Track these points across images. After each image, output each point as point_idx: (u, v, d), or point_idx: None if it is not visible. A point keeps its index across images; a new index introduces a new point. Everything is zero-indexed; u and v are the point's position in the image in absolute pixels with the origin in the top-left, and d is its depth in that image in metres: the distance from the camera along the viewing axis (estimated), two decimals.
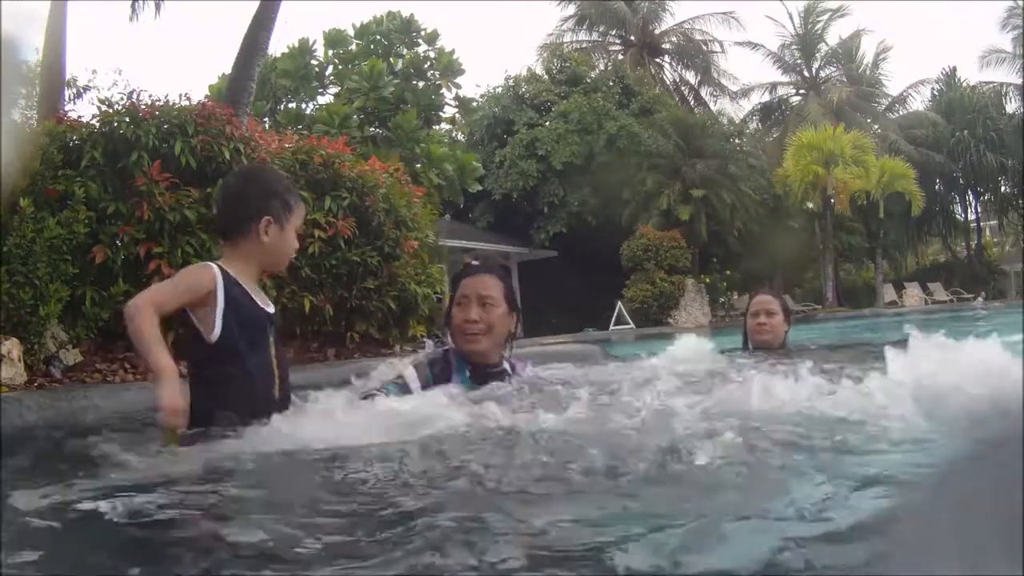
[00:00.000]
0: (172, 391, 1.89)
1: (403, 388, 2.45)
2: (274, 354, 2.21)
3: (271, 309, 2.28)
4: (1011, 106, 30.01)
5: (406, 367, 2.57)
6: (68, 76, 11.33)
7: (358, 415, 2.01)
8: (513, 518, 1.24)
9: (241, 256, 2.23)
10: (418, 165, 15.36)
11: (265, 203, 2.23)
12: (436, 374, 2.54)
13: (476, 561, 1.04)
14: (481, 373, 2.51)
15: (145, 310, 1.99)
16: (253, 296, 2.20)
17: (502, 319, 2.52)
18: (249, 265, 2.24)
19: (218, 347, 2.06)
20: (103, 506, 1.35)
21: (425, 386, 2.49)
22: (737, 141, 25.70)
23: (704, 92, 31.84)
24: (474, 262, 2.71)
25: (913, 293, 25.95)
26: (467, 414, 1.97)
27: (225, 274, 2.14)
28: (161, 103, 5.09)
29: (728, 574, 1.02)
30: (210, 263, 2.19)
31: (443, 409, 1.99)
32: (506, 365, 2.60)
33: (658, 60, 31.43)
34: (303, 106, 19.59)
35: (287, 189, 2.32)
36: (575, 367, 3.13)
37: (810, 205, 25.65)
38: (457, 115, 22.36)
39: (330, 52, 20.02)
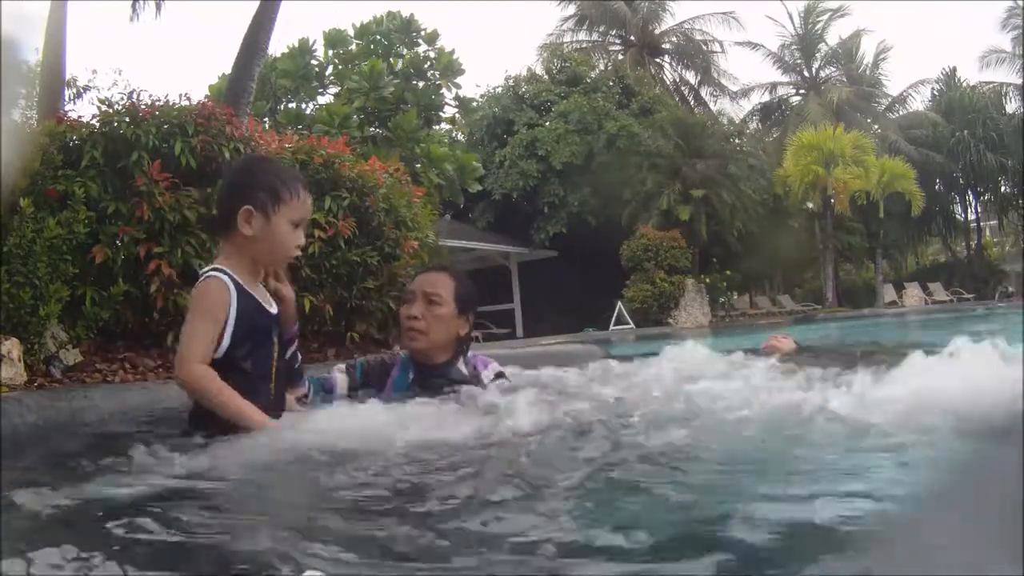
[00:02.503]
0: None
1: (326, 385, 2.44)
2: (276, 354, 2.10)
3: (275, 309, 2.12)
4: (1011, 106, 30.08)
5: (337, 369, 2.50)
6: (68, 76, 11.37)
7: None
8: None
9: (233, 254, 2.05)
10: (418, 165, 15.39)
11: (246, 192, 2.03)
12: (370, 376, 2.44)
13: None
14: (426, 375, 2.39)
15: (200, 372, 1.89)
16: (261, 301, 2.05)
17: (447, 319, 2.38)
18: (243, 263, 2.05)
19: (224, 360, 1.94)
20: (104, 507, 1.35)
21: (353, 388, 2.44)
22: (737, 141, 25.70)
23: (704, 92, 31.91)
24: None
25: (913, 293, 25.96)
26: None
27: (236, 285, 1.99)
28: (161, 103, 5.08)
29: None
30: (218, 275, 2.00)
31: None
32: (461, 366, 2.46)
33: (658, 60, 31.46)
34: (303, 106, 19.63)
35: (279, 177, 2.07)
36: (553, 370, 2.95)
37: (810, 205, 25.68)
38: (457, 115, 22.38)
39: (330, 52, 20.06)
